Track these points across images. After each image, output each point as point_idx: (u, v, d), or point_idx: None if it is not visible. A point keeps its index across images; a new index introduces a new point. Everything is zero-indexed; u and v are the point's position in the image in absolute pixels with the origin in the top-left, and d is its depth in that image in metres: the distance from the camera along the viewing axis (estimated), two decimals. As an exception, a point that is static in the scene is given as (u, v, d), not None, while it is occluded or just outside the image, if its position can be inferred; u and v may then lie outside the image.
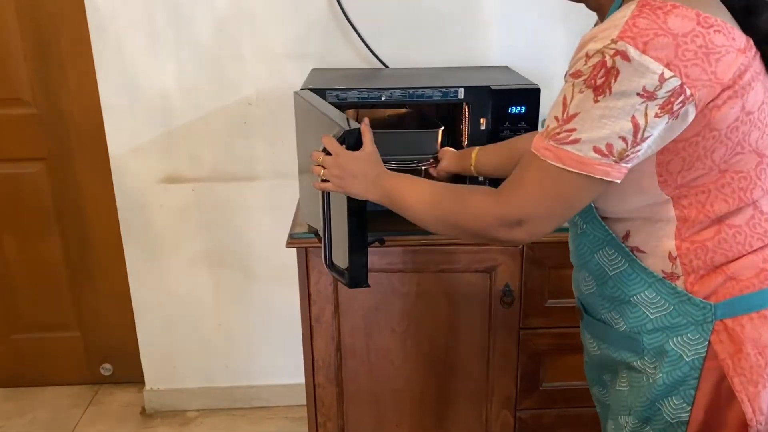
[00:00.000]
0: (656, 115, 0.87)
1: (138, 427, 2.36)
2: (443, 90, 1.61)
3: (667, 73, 0.84)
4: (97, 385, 2.56)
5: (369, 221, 1.27)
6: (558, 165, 0.91)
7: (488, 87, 1.60)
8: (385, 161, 1.22)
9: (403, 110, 1.86)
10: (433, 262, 1.65)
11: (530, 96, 1.60)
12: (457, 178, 1.62)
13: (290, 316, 2.14)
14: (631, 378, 1.07)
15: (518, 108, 1.60)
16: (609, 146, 0.88)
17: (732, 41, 0.88)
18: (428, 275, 1.67)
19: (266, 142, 2.12)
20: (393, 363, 1.74)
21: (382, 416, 1.80)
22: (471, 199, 1.03)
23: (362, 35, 2.00)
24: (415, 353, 1.74)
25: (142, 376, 2.41)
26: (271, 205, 2.18)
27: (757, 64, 0.92)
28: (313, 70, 1.95)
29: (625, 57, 0.85)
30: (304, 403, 1.81)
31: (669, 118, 0.88)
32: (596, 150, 0.89)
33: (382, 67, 2.02)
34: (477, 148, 1.55)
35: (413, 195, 1.11)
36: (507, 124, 1.61)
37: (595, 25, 1.20)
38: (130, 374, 2.50)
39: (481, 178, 1.62)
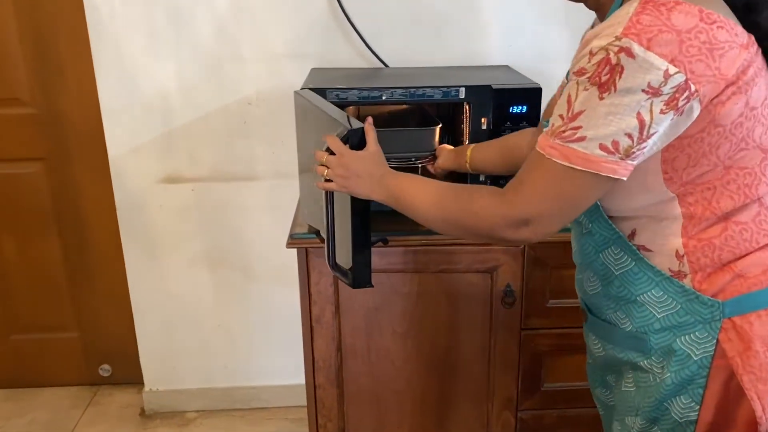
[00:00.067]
0: (661, 112, 0.86)
1: (137, 428, 2.35)
2: (444, 89, 1.60)
3: (672, 69, 0.84)
4: (96, 386, 2.55)
5: (371, 221, 1.26)
6: (564, 163, 0.91)
7: (489, 86, 1.60)
8: None
9: (403, 107, 1.85)
10: (434, 262, 1.65)
11: (531, 95, 1.60)
12: (455, 176, 1.62)
13: (290, 316, 2.14)
14: (638, 378, 1.07)
15: (519, 107, 1.60)
16: (615, 143, 0.88)
17: (735, 37, 0.88)
18: (429, 275, 1.66)
19: (266, 142, 2.12)
20: (394, 363, 1.74)
21: (382, 417, 1.79)
22: (477, 199, 1.02)
23: (362, 35, 2.00)
24: (416, 354, 1.73)
25: (142, 377, 2.41)
26: (271, 205, 2.18)
27: (760, 60, 0.92)
28: (313, 69, 1.95)
29: (630, 54, 0.84)
30: (304, 403, 1.80)
31: (674, 115, 0.87)
32: (602, 147, 0.88)
33: (383, 66, 2.02)
34: (472, 145, 1.56)
35: (418, 195, 1.10)
36: (508, 123, 1.60)
37: (593, 25, 1.21)
38: (130, 375, 2.50)
39: (482, 178, 1.62)
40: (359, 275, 1.29)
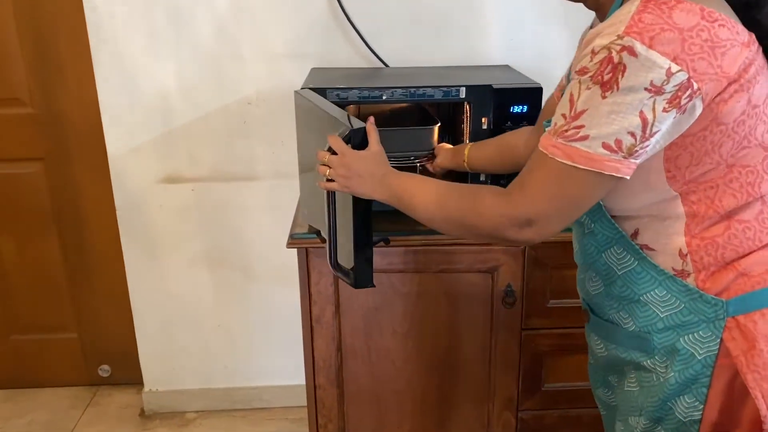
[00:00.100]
0: (664, 110, 0.86)
1: (137, 429, 2.35)
2: (445, 89, 1.60)
3: (674, 68, 0.84)
4: (95, 387, 2.55)
5: (372, 221, 1.26)
6: (567, 162, 0.90)
7: (490, 86, 1.60)
8: None
9: (402, 106, 1.85)
10: (435, 262, 1.64)
11: (532, 95, 1.60)
12: (455, 175, 1.62)
13: (290, 316, 2.14)
14: (641, 378, 1.07)
15: (520, 107, 1.59)
16: (618, 142, 0.88)
17: (736, 35, 0.88)
18: (429, 275, 1.66)
19: (266, 142, 2.11)
20: (394, 364, 1.73)
21: (383, 417, 1.79)
22: (480, 199, 1.02)
23: (362, 34, 1.99)
24: (417, 354, 1.73)
25: (141, 378, 2.40)
26: (270, 205, 2.18)
27: (761, 58, 0.92)
28: (313, 69, 1.94)
29: (632, 52, 0.84)
30: (304, 404, 1.80)
31: (677, 113, 0.87)
32: (605, 146, 0.88)
33: (383, 66, 2.02)
34: (470, 144, 1.57)
35: (421, 195, 1.10)
36: (509, 123, 1.60)
37: (592, 25, 1.21)
38: (129, 375, 2.49)
39: (482, 177, 1.62)
40: (361, 275, 1.29)
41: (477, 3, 2.01)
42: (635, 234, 1.02)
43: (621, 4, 0.95)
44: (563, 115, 0.91)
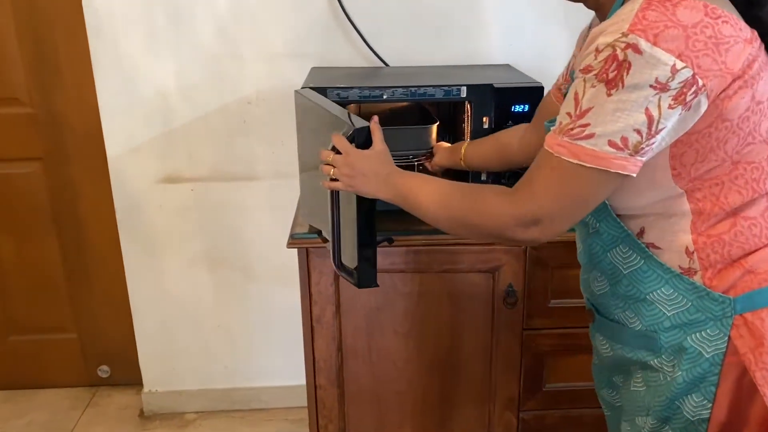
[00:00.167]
0: (669, 107, 0.86)
1: (136, 430, 2.34)
2: (446, 88, 1.60)
3: (679, 64, 0.84)
4: (94, 387, 2.54)
5: (376, 221, 1.25)
6: (573, 161, 0.90)
7: (491, 85, 1.59)
8: None
9: (402, 105, 1.85)
10: (436, 262, 1.64)
11: (533, 94, 1.59)
12: (455, 174, 1.62)
13: (290, 316, 2.13)
14: (648, 377, 1.06)
15: (521, 106, 1.59)
16: (624, 139, 0.88)
17: (739, 32, 0.88)
18: (431, 275, 1.65)
19: (266, 141, 2.11)
20: (395, 364, 1.73)
21: (384, 418, 1.78)
22: (485, 199, 1.02)
23: (363, 34, 1.99)
24: (418, 354, 1.72)
25: (141, 378, 2.40)
26: (270, 205, 2.17)
27: (764, 55, 0.92)
28: (313, 68, 1.94)
29: (637, 50, 0.84)
30: (304, 404, 1.80)
31: (682, 110, 0.87)
32: (611, 144, 0.88)
33: (383, 65, 2.01)
34: (467, 142, 1.58)
35: (426, 194, 1.10)
36: (510, 122, 1.59)
37: (590, 25, 1.21)
38: (128, 376, 2.49)
39: (483, 177, 1.62)
40: (365, 275, 1.28)
41: (477, 2, 2.01)
42: (641, 233, 1.02)
43: (622, 4, 0.95)
44: (568, 114, 0.91)
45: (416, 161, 1.67)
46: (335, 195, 1.27)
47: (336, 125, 1.24)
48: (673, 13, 0.85)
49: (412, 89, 1.60)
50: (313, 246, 1.58)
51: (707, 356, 0.98)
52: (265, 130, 2.09)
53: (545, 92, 1.58)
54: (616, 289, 1.07)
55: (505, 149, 1.48)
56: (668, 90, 0.85)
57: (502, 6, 2.01)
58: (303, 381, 1.75)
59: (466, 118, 1.65)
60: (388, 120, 1.81)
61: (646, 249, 1.01)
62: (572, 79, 0.98)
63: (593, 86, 0.88)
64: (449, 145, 1.66)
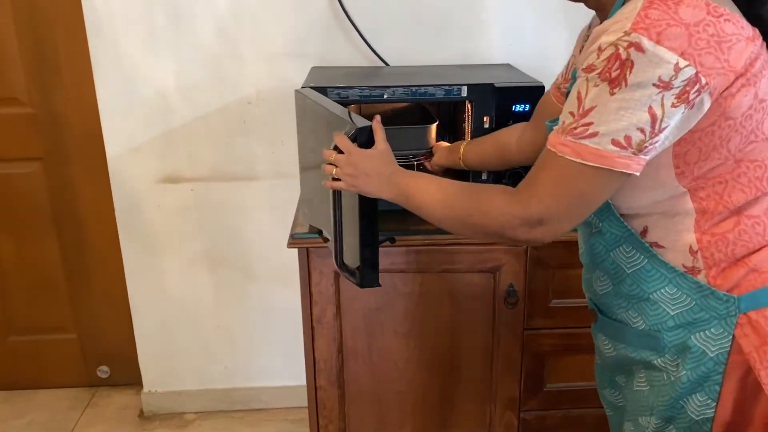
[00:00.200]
0: (673, 105, 0.86)
1: (136, 430, 2.34)
2: (446, 88, 1.59)
3: (682, 63, 0.84)
4: (94, 388, 2.54)
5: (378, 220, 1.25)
6: (577, 160, 0.90)
7: (492, 85, 1.59)
8: None
9: (402, 105, 1.85)
10: (436, 262, 1.63)
11: (534, 93, 1.58)
12: (454, 173, 1.61)
13: (290, 317, 2.13)
14: (651, 377, 1.06)
15: (522, 106, 1.59)
16: (627, 138, 0.87)
17: (741, 30, 0.88)
18: (431, 275, 1.65)
19: (266, 141, 2.10)
20: (396, 364, 1.73)
21: (384, 418, 1.78)
22: (489, 199, 1.01)
23: (363, 33, 1.99)
24: (418, 354, 1.72)
25: (140, 379, 2.39)
26: (270, 205, 2.17)
27: (765, 53, 0.92)
28: (314, 68, 1.94)
29: (639, 48, 0.84)
30: (304, 405, 1.79)
31: (685, 108, 0.87)
32: (615, 143, 0.88)
33: (383, 65, 2.01)
34: (465, 141, 1.58)
35: (429, 194, 1.09)
36: (511, 122, 1.59)
37: (590, 25, 1.20)
38: (128, 376, 2.48)
39: (484, 176, 1.61)
40: (367, 275, 1.28)
41: (477, 2, 2.00)
42: (644, 232, 1.02)
43: (623, 3, 0.95)
44: (571, 113, 0.91)
45: (415, 161, 1.67)
46: (337, 195, 1.26)
47: (338, 124, 1.24)
48: (675, 11, 0.85)
49: (413, 89, 1.60)
50: (314, 246, 1.58)
51: (711, 355, 0.98)
52: (265, 130, 2.09)
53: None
54: (619, 289, 1.07)
55: (504, 148, 1.48)
56: (671, 88, 0.85)
57: (502, 5, 2.01)
58: (303, 381, 1.75)
59: (466, 118, 1.64)
60: (387, 120, 1.80)
61: (650, 248, 1.01)
62: (573, 79, 0.98)
63: (596, 85, 0.88)
64: (448, 144, 1.66)
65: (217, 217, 2.19)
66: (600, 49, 0.88)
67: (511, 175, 1.61)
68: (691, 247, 0.98)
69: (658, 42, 0.84)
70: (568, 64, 1.32)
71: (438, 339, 1.71)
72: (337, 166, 1.19)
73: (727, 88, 0.88)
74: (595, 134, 0.88)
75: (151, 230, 2.20)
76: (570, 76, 1.26)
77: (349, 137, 1.19)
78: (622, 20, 0.87)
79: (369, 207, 1.22)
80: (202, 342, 2.34)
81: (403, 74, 1.84)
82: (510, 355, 1.72)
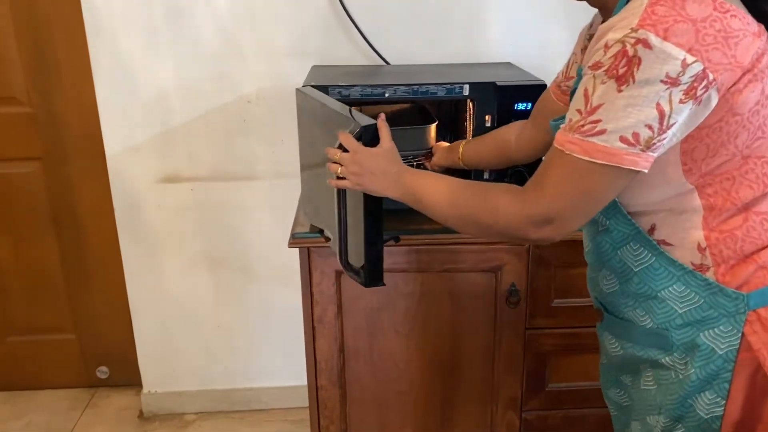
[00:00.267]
0: (680, 101, 0.86)
1: (136, 431, 2.33)
2: (448, 86, 1.59)
3: (690, 59, 0.84)
4: (93, 388, 2.53)
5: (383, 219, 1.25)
6: (585, 158, 0.89)
7: (493, 83, 1.58)
8: None
9: (403, 105, 1.84)
10: (438, 261, 1.63)
11: (536, 92, 1.56)
12: (453, 172, 1.60)
13: (290, 317, 2.13)
14: (658, 376, 1.06)
15: (524, 104, 1.58)
16: (635, 135, 0.87)
17: (747, 26, 0.88)
18: (432, 275, 1.65)
19: (266, 141, 2.10)
20: (397, 364, 1.72)
21: (385, 418, 1.77)
22: (496, 198, 1.01)
23: (363, 32, 1.98)
24: (420, 354, 1.71)
25: (140, 379, 2.38)
26: (270, 204, 2.16)
27: None
28: (314, 67, 1.93)
29: (647, 45, 0.84)
30: (304, 405, 1.79)
31: (693, 104, 0.87)
32: (623, 140, 0.87)
33: (384, 64, 2.00)
34: (464, 141, 1.57)
35: (435, 192, 1.09)
36: (512, 120, 1.58)
37: (591, 23, 1.20)
38: (128, 377, 2.47)
39: (486, 175, 1.61)
40: (372, 274, 1.28)
41: (478, 0, 2.00)
42: (652, 229, 1.01)
43: (627, 1, 0.94)
44: (578, 111, 0.90)
45: (415, 162, 1.66)
46: (342, 193, 1.26)
47: (342, 123, 1.23)
48: (682, 7, 0.85)
49: (414, 87, 1.59)
50: (315, 245, 1.57)
51: (720, 353, 0.98)
52: (265, 130, 2.08)
53: (547, 90, 1.58)
54: (627, 287, 1.06)
55: (503, 146, 1.48)
56: (679, 84, 0.85)
57: (503, 4, 2.01)
58: (303, 381, 1.74)
59: (468, 116, 1.64)
60: (386, 120, 1.81)
61: (658, 246, 1.01)
62: (578, 76, 0.97)
63: (603, 82, 0.87)
64: (448, 144, 1.66)
65: (217, 216, 2.18)
66: (607, 46, 0.87)
67: (513, 174, 1.60)
68: (699, 244, 0.98)
69: (665, 38, 0.83)
70: (569, 62, 1.32)
71: (439, 339, 1.70)
72: (342, 165, 1.18)
73: (734, 84, 0.88)
74: (603, 132, 0.88)
75: (151, 230, 2.19)
76: (574, 73, 1.25)
77: (354, 136, 1.18)
78: (628, 17, 0.87)
79: (374, 206, 1.22)
80: (202, 342, 2.33)
81: (404, 73, 1.84)
82: (512, 354, 1.71)
